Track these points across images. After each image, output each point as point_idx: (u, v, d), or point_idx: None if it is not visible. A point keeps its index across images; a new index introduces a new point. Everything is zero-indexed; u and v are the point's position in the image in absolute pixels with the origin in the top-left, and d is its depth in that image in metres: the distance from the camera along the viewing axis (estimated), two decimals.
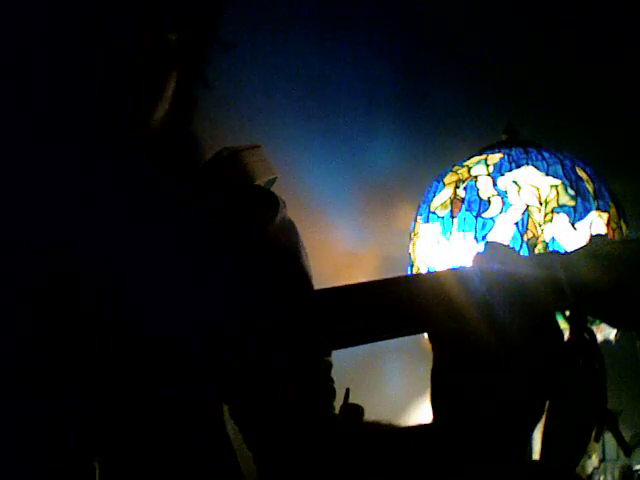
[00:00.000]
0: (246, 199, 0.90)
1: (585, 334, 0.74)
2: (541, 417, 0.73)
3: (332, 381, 0.90)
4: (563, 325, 0.74)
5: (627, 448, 0.87)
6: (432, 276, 0.77)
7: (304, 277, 0.89)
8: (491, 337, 0.69)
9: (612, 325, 0.77)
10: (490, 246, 0.73)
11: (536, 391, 0.71)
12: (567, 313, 0.75)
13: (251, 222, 0.86)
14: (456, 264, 1.57)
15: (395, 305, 0.73)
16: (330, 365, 0.90)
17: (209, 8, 0.86)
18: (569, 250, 0.77)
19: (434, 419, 0.71)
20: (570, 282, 0.72)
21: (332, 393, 0.89)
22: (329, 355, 0.89)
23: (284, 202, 0.92)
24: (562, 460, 0.76)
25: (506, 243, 1.47)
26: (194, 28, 0.84)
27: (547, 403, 0.75)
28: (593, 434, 0.75)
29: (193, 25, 0.84)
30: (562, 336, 0.73)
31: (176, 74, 0.83)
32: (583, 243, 0.78)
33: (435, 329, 0.71)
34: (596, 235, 0.79)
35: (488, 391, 0.68)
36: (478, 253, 0.73)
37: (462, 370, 0.69)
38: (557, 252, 0.77)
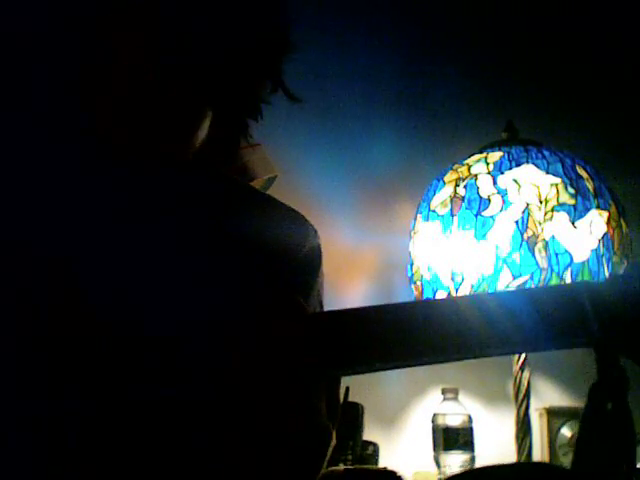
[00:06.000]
0: (280, 223, 0.88)
1: (614, 371, 0.68)
2: None
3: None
4: None
5: None
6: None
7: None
8: None
9: None
10: None
11: None
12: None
13: (282, 249, 0.85)
14: (455, 263, 1.57)
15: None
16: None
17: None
18: (597, 279, 0.72)
19: None
20: (597, 315, 0.67)
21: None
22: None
23: (315, 230, 0.90)
24: None
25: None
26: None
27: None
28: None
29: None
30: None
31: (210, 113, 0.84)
32: (615, 273, 0.73)
33: None
34: (630, 264, 0.73)
35: None
36: None
37: None
38: (585, 281, 0.71)
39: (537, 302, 0.68)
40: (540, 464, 0.80)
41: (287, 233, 0.86)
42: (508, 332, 0.68)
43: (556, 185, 1.56)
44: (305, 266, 0.86)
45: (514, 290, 0.77)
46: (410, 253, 1.70)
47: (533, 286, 1.47)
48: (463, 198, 1.60)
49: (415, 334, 0.69)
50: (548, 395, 1.88)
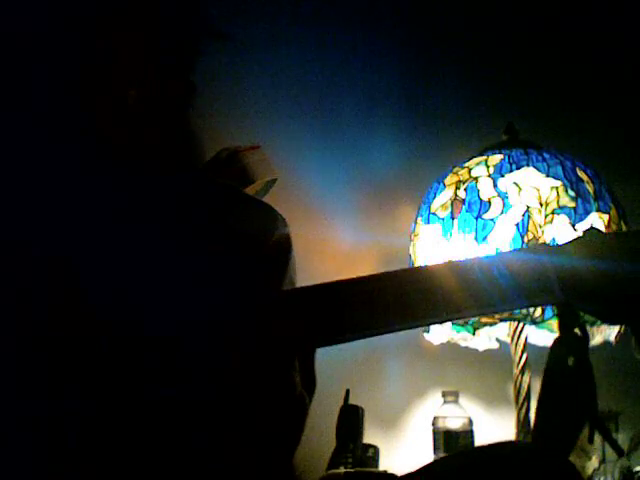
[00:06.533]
0: (249, 212, 0.89)
1: (577, 330, 0.72)
2: None
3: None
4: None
5: (619, 449, 0.87)
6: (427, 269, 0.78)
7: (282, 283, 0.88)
8: None
9: (602, 320, 0.76)
10: None
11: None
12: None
13: (252, 235, 0.86)
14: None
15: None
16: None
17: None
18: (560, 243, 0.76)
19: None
20: (558, 274, 0.71)
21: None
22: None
23: (284, 220, 0.91)
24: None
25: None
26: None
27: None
28: (586, 435, 0.74)
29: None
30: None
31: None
32: (575, 236, 0.78)
33: None
34: (588, 228, 0.78)
35: None
36: None
37: None
38: (547, 244, 0.77)
39: (514, 273, 0.75)
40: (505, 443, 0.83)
41: (263, 224, 0.88)
42: (488, 298, 0.75)
43: (556, 188, 1.56)
44: (279, 252, 0.88)
45: (492, 259, 0.83)
46: (411, 256, 1.70)
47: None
48: (463, 201, 1.60)
49: (400, 301, 0.74)
50: None
